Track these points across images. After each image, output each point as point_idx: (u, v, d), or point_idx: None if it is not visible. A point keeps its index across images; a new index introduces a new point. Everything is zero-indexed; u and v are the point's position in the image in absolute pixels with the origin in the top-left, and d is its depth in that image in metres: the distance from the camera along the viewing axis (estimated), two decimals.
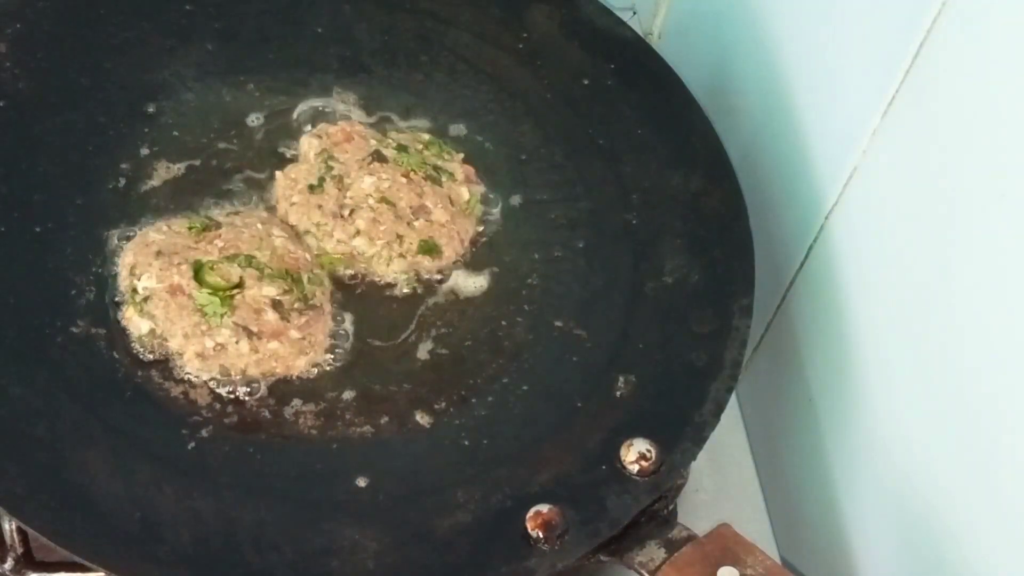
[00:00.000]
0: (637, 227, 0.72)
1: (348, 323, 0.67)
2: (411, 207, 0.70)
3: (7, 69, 0.71)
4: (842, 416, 0.71)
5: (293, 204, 0.69)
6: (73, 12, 0.75)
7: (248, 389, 0.63)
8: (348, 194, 0.69)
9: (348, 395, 0.64)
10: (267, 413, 0.62)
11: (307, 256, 0.67)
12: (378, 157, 0.71)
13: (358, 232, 0.69)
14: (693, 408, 0.64)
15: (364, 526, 0.58)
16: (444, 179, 0.71)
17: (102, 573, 0.58)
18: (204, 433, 0.61)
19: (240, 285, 0.64)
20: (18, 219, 0.66)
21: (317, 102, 0.75)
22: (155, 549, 0.56)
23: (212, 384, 0.62)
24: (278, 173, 0.71)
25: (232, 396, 0.62)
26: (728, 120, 0.80)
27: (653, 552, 0.60)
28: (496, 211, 0.73)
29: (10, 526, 0.61)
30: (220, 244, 0.66)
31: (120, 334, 0.63)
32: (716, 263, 0.70)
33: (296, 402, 0.63)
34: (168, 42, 0.75)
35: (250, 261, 0.65)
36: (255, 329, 0.63)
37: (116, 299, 0.64)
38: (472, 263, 0.70)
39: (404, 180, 0.70)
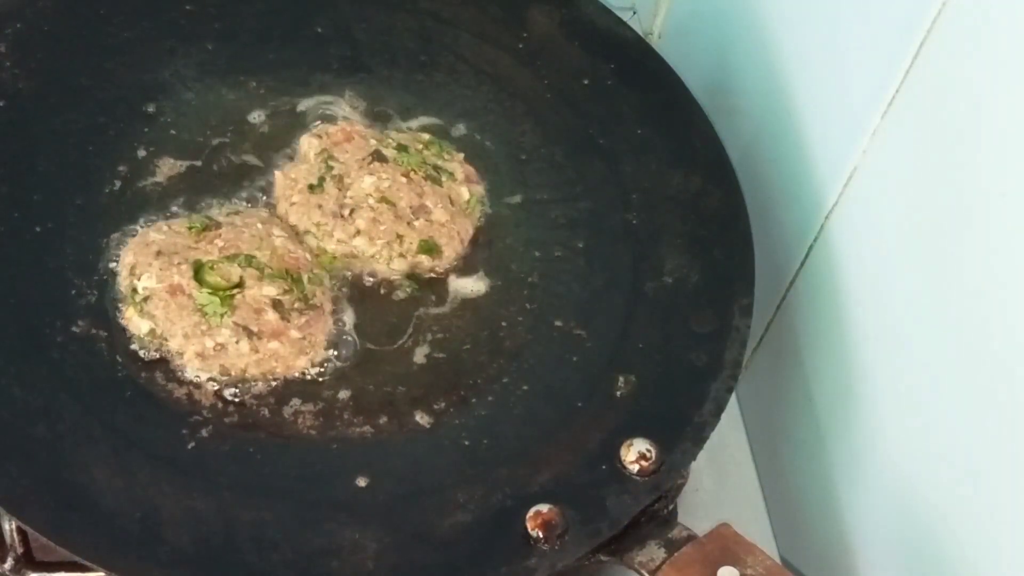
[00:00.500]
0: (637, 227, 0.72)
1: (348, 323, 0.67)
2: (411, 207, 0.70)
3: (7, 69, 0.71)
4: (842, 416, 0.71)
5: (293, 204, 0.69)
6: (73, 12, 0.75)
7: (248, 389, 0.63)
8: (348, 194, 0.69)
9: (348, 395, 0.64)
10: (267, 413, 0.62)
11: (307, 256, 0.67)
12: (378, 157, 0.71)
13: (358, 232, 0.69)
14: (693, 408, 0.64)
15: (364, 526, 0.58)
16: (444, 179, 0.72)
17: (102, 573, 0.58)
18: (204, 433, 0.61)
19: (240, 285, 0.64)
20: (18, 219, 0.66)
21: (317, 102, 0.75)
22: (155, 549, 0.56)
23: (212, 384, 0.62)
24: (278, 173, 0.71)
25: (232, 396, 0.62)
26: (728, 120, 0.80)
27: (653, 552, 0.60)
28: (496, 211, 0.73)
29: (10, 526, 0.61)
30: (220, 244, 0.66)
31: (120, 334, 0.63)
32: (716, 263, 0.70)
33: (296, 402, 0.63)
34: (168, 42, 0.75)
35: (250, 261, 0.65)
36: (255, 329, 0.63)
37: (116, 299, 0.64)
38: (472, 263, 0.70)
39: (404, 180, 0.70)
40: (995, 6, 0.54)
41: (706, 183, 0.74)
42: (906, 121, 0.63)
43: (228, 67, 0.75)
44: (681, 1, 0.96)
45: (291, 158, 0.72)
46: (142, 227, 0.67)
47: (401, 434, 0.63)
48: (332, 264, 0.68)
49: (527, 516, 0.58)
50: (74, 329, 0.63)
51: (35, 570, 0.63)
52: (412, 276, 0.69)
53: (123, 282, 0.65)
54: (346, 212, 0.69)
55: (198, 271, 0.64)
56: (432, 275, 0.69)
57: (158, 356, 0.63)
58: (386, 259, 0.69)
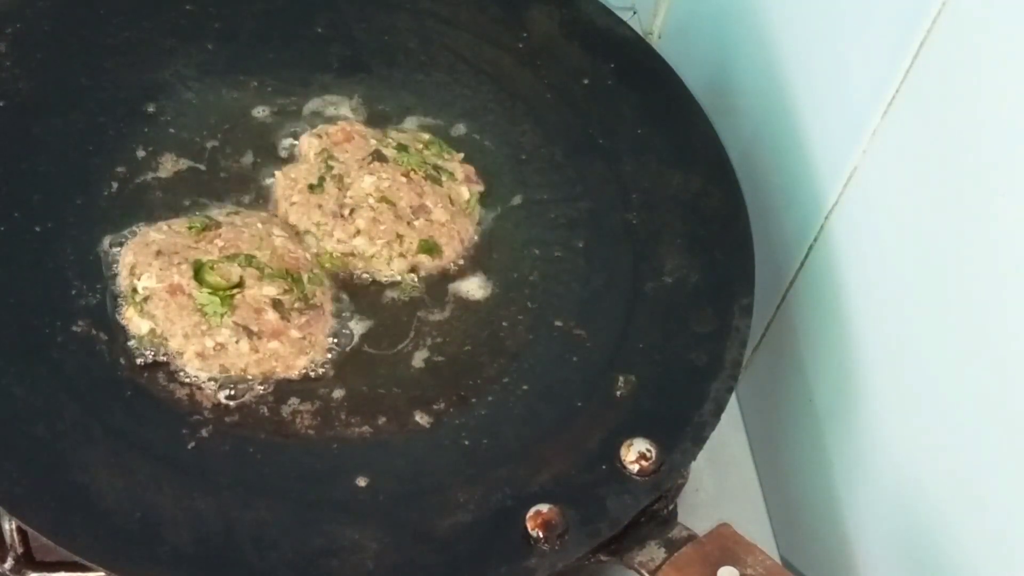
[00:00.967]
0: (637, 227, 0.72)
1: (348, 323, 0.67)
2: (411, 207, 0.70)
3: (7, 69, 0.71)
4: (842, 416, 0.71)
5: (293, 204, 0.69)
6: (73, 12, 0.75)
7: (249, 389, 0.63)
8: (348, 194, 0.70)
9: (349, 395, 0.64)
10: (267, 413, 0.62)
11: (307, 256, 0.67)
12: (378, 157, 0.71)
13: (358, 232, 0.69)
14: (693, 408, 0.64)
15: (364, 526, 0.58)
16: (444, 179, 0.72)
17: (102, 573, 0.58)
18: (204, 433, 0.61)
19: (240, 285, 0.64)
20: (18, 219, 0.66)
21: (317, 102, 0.75)
22: (155, 549, 0.56)
23: (212, 384, 0.62)
24: (278, 173, 0.71)
25: (232, 396, 0.62)
26: (728, 120, 0.80)
27: (653, 552, 0.60)
28: (496, 211, 0.73)
29: (10, 526, 0.61)
30: (220, 244, 0.66)
31: (120, 334, 0.63)
32: (716, 263, 0.70)
33: (297, 402, 0.63)
34: (168, 42, 0.75)
35: (250, 261, 0.65)
36: (255, 329, 0.63)
37: (116, 299, 0.64)
38: (472, 263, 0.70)
39: (404, 180, 0.70)
40: (995, 6, 0.54)
41: (706, 183, 0.74)
42: (906, 121, 0.63)
43: (228, 67, 0.75)
44: (681, 1, 0.96)
45: (291, 158, 0.72)
46: (142, 227, 0.67)
47: (401, 434, 0.63)
48: (332, 264, 0.68)
49: (527, 516, 0.58)
50: (74, 329, 0.63)
51: (35, 570, 0.63)
52: (412, 276, 0.69)
53: (123, 282, 0.65)
54: (346, 212, 0.69)
55: (198, 271, 0.64)
56: (432, 275, 0.69)
57: (158, 356, 0.63)
58: (386, 259, 0.69)
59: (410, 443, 0.63)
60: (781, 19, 0.77)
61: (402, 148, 0.72)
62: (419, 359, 0.66)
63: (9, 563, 0.62)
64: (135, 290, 0.64)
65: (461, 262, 0.70)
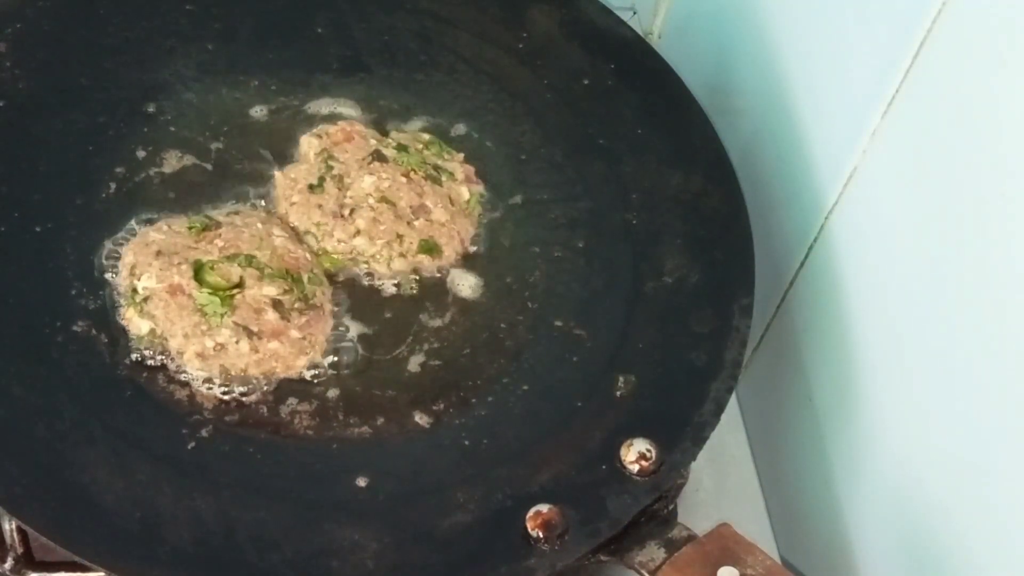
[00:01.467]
0: (637, 227, 0.72)
1: (348, 323, 0.67)
2: (411, 207, 0.70)
3: (7, 69, 0.71)
4: (842, 416, 0.71)
5: (293, 204, 0.69)
6: (73, 12, 0.75)
7: (248, 389, 0.63)
8: (348, 194, 0.70)
9: (348, 395, 0.64)
10: (267, 413, 0.62)
11: (307, 256, 0.67)
12: (378, 157, 0.71)
13: (358, 232, 0.69)
14: (693, 408, 0.64)
15: (364, 526, 0.58)
16: (444, 179, 0.72)
17: (102, 573, 0.58)
18: (204, 433, 0.61)
19: (240, 285, 0.64)
20: (18, 219, 0.66)
21: (317, 102, 0.75)
22: (155, 549, 0.56)
23: (212, 384, 0.62)
24: (278, 173, 0.71)
25: (232, 396, 0.62)
26: (728, 120, 0.80)
27: (653, 552, 0.60)
28: (496, 211, 0.73)
29: (10, 526, 0.61)
30: (220, 244, 0.66)
31: (120, 334, 0.63)
32: (716, 263, 0.70)
33: (297, 402, 0.63)
34: (168, 42, 0.75)
35: (250, 261, 0.65)
36: (255, 329, 0.63)
37: (116, 299, 0.64)
38: (472, 263, 0.70)
39: (404, 180, 0.70)
40: (995, 6, 0.54)
41: (706, 183, 0.74)
42: (906, 121, 0.63)
43: (228, 67, 0.75)
44: (681, 1, 0.96)
45: (291, 158, 0.72)
46: (142, 227, 0.67)
47: (401, 434, 0.63)
48: (332, 264, 0.68)
49: (527, 516, 0.58)
50: (74, 329, 0.63)
51: (35, 570, 0.63)
52: (412, 276, 0.69)
53: (123, 282, 0.65)
54: (346, 212, 0.69)
55: (198, 271, 0.64)
56: (432, 275, 0.69)
57: (158, 356, 0.63)
58: (386, 259, 0.69)
59: (410, 443, 0.63)
60: (781, 19, 0.77)
61: (402, 148, 0.72)
62: (419, 359, 0.66)
63: (9, 563, 0.62)
64: (135, 290, 0.64)
65: (461, 262, 0.70)
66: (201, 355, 0.62)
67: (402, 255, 0.69)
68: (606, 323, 0.68)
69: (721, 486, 0.79)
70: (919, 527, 0.63)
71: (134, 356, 0.63)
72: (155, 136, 0.72)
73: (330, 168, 0.70)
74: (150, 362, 0.63)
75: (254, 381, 0.63)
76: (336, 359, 0.65)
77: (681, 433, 0.63)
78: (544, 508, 0.58)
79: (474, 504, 0.60)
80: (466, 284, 0.69)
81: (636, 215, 0.72)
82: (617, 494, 0.60)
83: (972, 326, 0.57)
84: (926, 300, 0.61)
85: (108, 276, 0.65)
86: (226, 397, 0.62)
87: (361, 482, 0.60)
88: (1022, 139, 0.52)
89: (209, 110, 0.73)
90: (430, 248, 0.69)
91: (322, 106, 0.75)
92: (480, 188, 0.73)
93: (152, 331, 0.63)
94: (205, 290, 0.63)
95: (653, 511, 0.61)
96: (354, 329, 0.66)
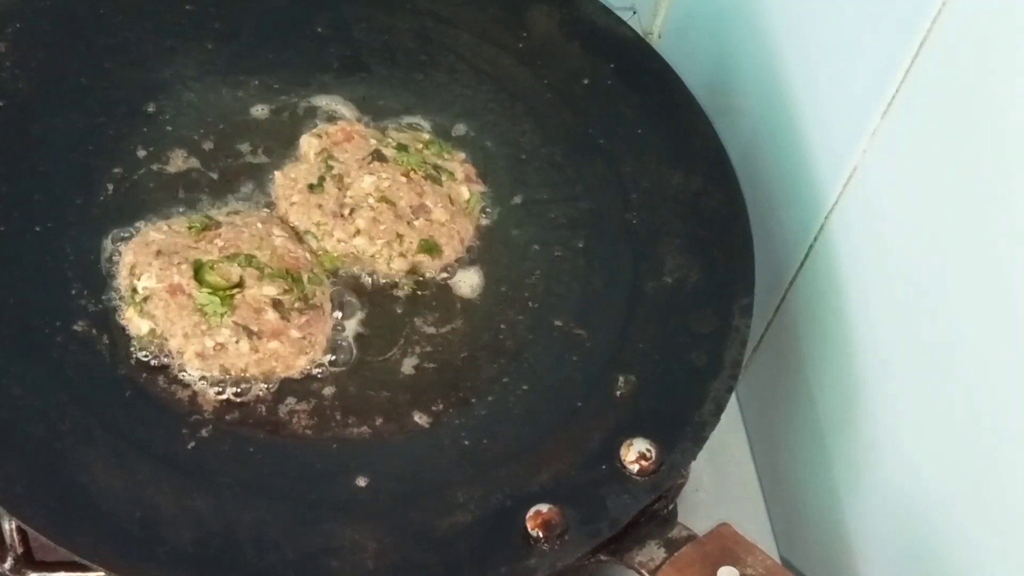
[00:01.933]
0: (637, 227, 0.72)
1: (348, 323, 0.67)
2: (411, 206, 0.70)
3: (7, 69, 0.71)
4: (842, 416, 0.71)
5: (293, 204, 0.69)
6: (73, 12, 0.75)
7: (248, 389, 0.63)
8: (348, 193, 0.70)
9: (348, 395, 0.64)
10: (267, 413, 0.62)
11: (307, 256, 0.67)
12: (378, 156, 0.71)
13: (358, 231, 0.69)
14: (693, 408, 0.64)
15: (364, 526, 0.58)
16: (444, 178, 0.72)
17: (102, 573, 0.58)
18: (204, 433, 0.61)
19: (240, 285, 0.64)
20: (18, 219, 0.66)
21: (317, 101, 0.75)
22: (155, 549, 0.56)
23: (212, 384, 0.62)
24: (277, 173, 0.71)
25: (232, 396, 0.62)
26: (728, 120, 0.80)
27: (653, 552, 0.60)
28: (496, 211, 0.73)
29: (10, 526, 0.61)
30: (220, 243, 0.66)
31: (120, 334, 0.63)
32: (716, 263, 0.70)
33: (296, 402, 0.63)
34: (168, 42, 0.75)
35: (250, 260, 0.65)
36: (255, 329, 0.63)
37: (116, 299, 0.64)
38: (472, 262, 0.70)
39: (404, 179, 0.70)
40: (995, 6, 0.54)
41: (706, 183, 0.74)
42: (906, 121, 0.63)
43: (228, 67, 0.75)
44: (681, 1, 0.96)
45: (291, 158, 0.72)
46: (142, 227, 0.67)
47: (401, 434, 0.63)
48: (332, 264, 0.68)
49: (527, 516, 0.58)
50: (74, 329, 0.63)
51: (35, 570, 0.63)
52: (412, 276, 0.69)
53: (123, 282, 0.65)
54: (346, 212, 0.69)
55: (198, 271, 0.64)
56: (432, 275, 0.69)
57: (158, 356, 0.63)
58: (386, 259, 0.69)
59: (410, 443, 0.63)
60: (781, 19, 0.77)
61: (402, 148, 0.72)
62: (418, 359, 0.66)
63: (9, 563, 0.62)
64: (135, 290, 0.64)
65: (461, 262, 0.70)
66: (201, 355, 0.62)
67: (402, 255, 0.69)
68: (606, 323, 0.68)
69: (721, 486, 0.79)
70: (919, 527, 0.63)
71: (134, 356, 0.63)
72: (155, 136, 0.72)
73: (330, 168, 0.70)
74: (150, 362, 0.63)
75: (254, 381, 0.63)
76: (336, 359, 0.65)
77: (681, 433, 0.63)
78: (544, 508, 0.58)
79: (474, 504, 0.60)
80: (466, 284, 0.69)
81: (636, 215, 0.72)
82: (617, 494, 0.60)
83: (973, 325, 0.57)
84: (926, 299, 0.61)
85: (108, 276, 0.65)
86: (226, 397, 0.62)
87: (361, 482, 0.60)
88: (1022, 139, 0.52)
89: (209, 110, 0.73)
90: (430, 248, 0.69)
91: (322, 106, 0.75)
92: (480, 188, 0.73)
93: (152, 331, 0.63)
94: (205, 290, 0.63)
95: (653, 511, 0.61)
96: (354, 329, 0.66)
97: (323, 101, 0.75)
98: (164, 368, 0.63)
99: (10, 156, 0.68)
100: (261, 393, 0.63)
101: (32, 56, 0.72)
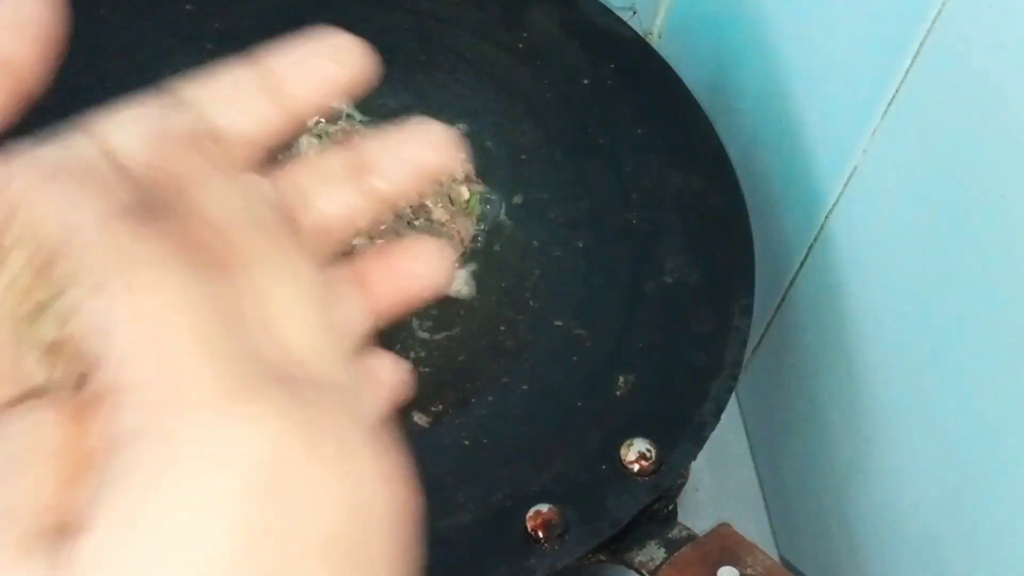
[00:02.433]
0: (637, 227, 0.72)
1: None
2: (411, 206, 0.70)
3: None
4: (842, 416, 0.71)
5: None
6: (73, 12, 0.75)
7: None
8: None
9: None
10: None
11: None
12: None
13: (358, 231, 0.68)
14: (693, 408, 0.64)
15: None
16: (444, 178, 0.72)
17: None
18: None
19: None
20: None
21: None
22: None
23: None
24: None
25: None
26: (728, 120, 0.80)
27: (653, 552, 0.60)
28: (496, 211, 0.73)
29: None
30: None
31: None
32: (716, 263, 0.70)
33: None
34: (168, 42, 0.75)
35: None
36: None
37: None
38: (471, 262, 0.70)
39: None
40: (995, 6, 0.54)
41: (706, 183, 0.74)
42: (906, 121, 0.63)
43: None
44: (681, 1, 0.96)
45: (291, 158, 0.72)
46: None
47: (400, 434, 0.63)
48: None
49: (527, 516, 0.58)
50: None
51: None
52: None
53: None
54: None
55: None
56: None
57: None
58: None
59: (410, 443, 0.63)
60: (781, 19, 0.77)
61: None
62: (417, 359, 0.66)
63: None
64: None
65: (461, 262, 0.70)
66: None
67: None
68: (606, 323, 0.68)
69: (721, 486, 0.79)
70: (920, 527, 0.63)
71: None
72: None
73: None
74: None
75: None
76: None
77: (681, 433, 0.63)
78: (544, 508, 0.58)
79: (474, 504, 0.60)
80: (465, 284, 0.69)
81: (636, 215, 0.72)
82: (617, 494, 0.60)
83: (973, 325, 0.57)
84: (927, 299, 0.61)
85: None
86: None
87: None
88: (1022, 139, 0.52)
89: None
90: None
91: None
92: (480, 188, 0.73)
93: None
94: None
95: (653, 511, 0.61)
96: None
97: None
98: None
99: None
100: None
101: None
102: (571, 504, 0.59)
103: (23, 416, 0.26)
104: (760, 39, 0.80)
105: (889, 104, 0.63)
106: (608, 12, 0.82)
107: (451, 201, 0.71)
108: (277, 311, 0.29)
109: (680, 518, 0.63)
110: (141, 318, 0.26)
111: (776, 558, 0.67)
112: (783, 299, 0.78)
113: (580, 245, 0.71)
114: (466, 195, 0.72)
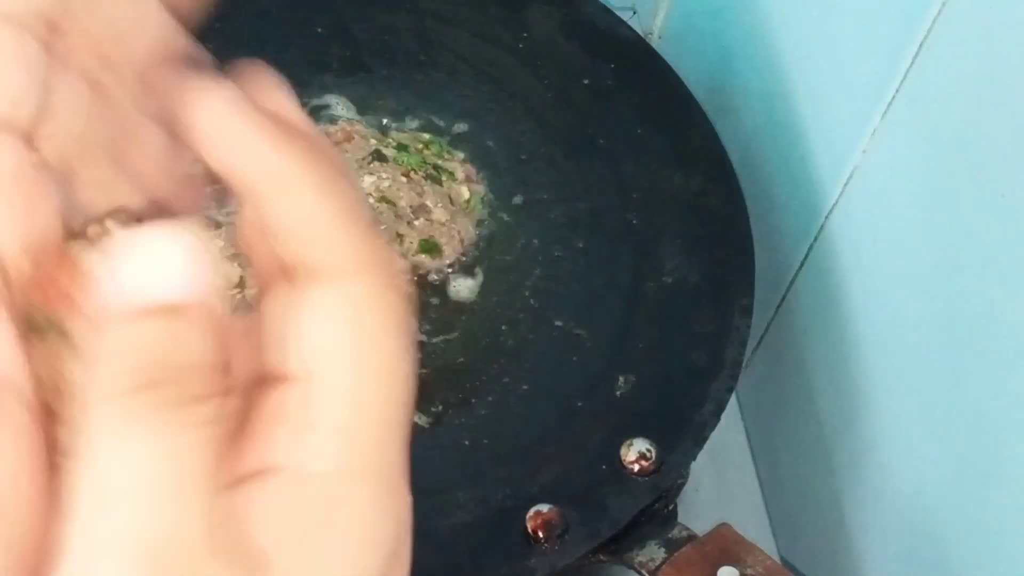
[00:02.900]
0: (637, 227, 0.72)
1: None
2: (411, 206, 0.70)
3: None
4: (842, 416, 0.71)
5: None
6: None
7: None
8: None
9: None
10: None
11: None
12: (378, 156, 0.71)
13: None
14: (693, 408, 0.64)
15: None
16: (444, 178, 0.72)
17: None
18: None
19: (241, 285, 0.64)
20: None
21: (317, 102, 0.75)
22: None
23: None
24: None
25: None
26: (728, 120, 0.80)
27: (653, 552, 0.60)
28: (496, 211, 0.73)
29: None
30: (220, 244, 0.66)
31: None
32: (716, 263, 0.70)
33: None
34: None
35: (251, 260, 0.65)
36: None
37: None
38: (472, 262, 0.70)
39: (404, 179, 0.70)
40: (995, 6, 0.54)
41: (706, 183, 0.74)
42: (906, 121, 0.63)
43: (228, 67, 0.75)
44: (681, 1, 0.96)
45: None
46: None
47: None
48: None
49: (527, 516, 0.58)
50: None
51: None
52: (412, 275, 0.69)
53: None
54: None
55: None
56: (432, 275, 0.69)
57: None
58: None
59: (409, 443, 0.63)
60: (781, 19, 0.77)
61: (402, 148, 0.72)
62: (417, 360, 0.66)
63: None
64: None
65: (461, 262, 0.70)
66: None
67: (402, 255, 0.69)
68: (606, 323, 0.68)
69: (721, 486, 0.79)
70: (921, 526, 0.63)
71: None
72: None
73: None
74: None
75: None
76: None
77: (681, 433, 0.63)
78: (544, 508, 0.58)
79: (474, 504, 0.60)
80: (466, 284, 0.69)
81: (636, 215, 0.72)
82: (617, 494, 0.60)
83: (973, 325, 0.57)
84: (927, 300, 0.61)
85: None
86: None
87: None
88: (1022, 139, 0.52)
89: None
90: (430, 248, 0.69)
91: (322, 106, 0.75)
92: (480, 188, 0.73)
93: None
94: None
95: (653, 511, 0.61)
96: None
97: (323, 101, 0.75)
98: None
99: None
100: None
101: None
102: (571, 504, 0.59)
103: None
104: (760, 39, 0.80)
105: (889, 104, 0.63)
106: (608, 12, 0.82)
107: (451, 201, 0.71)
108: None
109: (680, 518, 0.63)
110: None
111: (776, 558, 0.67)
112: (783, 299, 0.78)
113: (580, 245, 0.71)
114: (466, 195, 0.72)
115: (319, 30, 0.78)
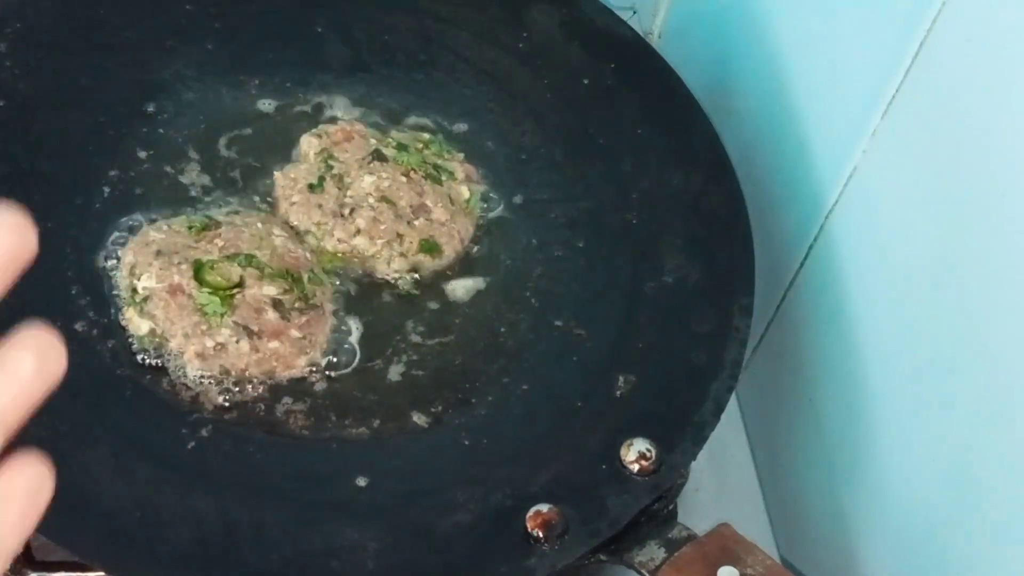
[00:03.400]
0: (637, 227, 0.72)
1: (349, 322, 0.67)
2: (411, 206, 0.70)
3: (7, 69, 0.71)
4: (842, 416, 0.71)
5: (293, 204, 0.69)
6: (73, 12, 0.75)
7: (248, 389, 0.63)
8: (348, 193, 0.70)
9: (348, 395, 0.64)
10: (267, 413, 0.62)
11: (307, 255, 0.67)
12: (378, 156, 0.71)
13: (358, 231, 0.69)
14: (693, 408, 0.64)
15: (364, 526, 0.58)
16: (444, 178, 0.72)
17: (102, 573, 0.58)
18: (204, 433, 0.61)
19: (240, 284, 0.64)
20: None
21: (317, 101, 0.75)
22: (155, 549, 0.56)
23: (212, 384, 0.62)
24: (277, 173, 0.71)
25: (232, 396, 0.62)
26: (728, 120, 0.80)
27: (653, 552, 0.60)
28: (496, 210, 0.73)
29: None
30: (220, 243, 0.66)
31: (120, 334, 0.63)
32: (716, 263, 0.70)
33: (296, 402, 0.63)
34: (168, 42, 0.75)
35: (250, 260, 0.65)
36: (255, 328, 0.63)
37: (116, 299, 0.64)
38: (472, 262, 0.70)
39: (404, 179, 0.70)
40: (995, 6, 0.54)
41: (706, 183, 0.74)
42: (906, 121, 0.63)
43: (228, 67, 0.75)
44: (681, 1, 0.96)
45: (291, 158, 0.72)
46: (142, 227, 0.67)
47: (400, 434, 0.63)
48: (332, 264, 0.68)
49: (527, 516, 0.58)
50: (74, 329, 0.63)
51: (35, 570, 0.63)
52: (412, 275, 0.69)
53: (123, 282, 0.65)
54: (346, 211, 0.69)
55: (198, 271, 0.64)
56: (432, 275, 0.69)
57: (158, 356, 0.63)
58: (386, 258, 0.69)
59: (410, 443, 0.63)
60: (781, 19, 0.77)
61: (402, 148, 0.72)
62: (418, 360, 0.66)
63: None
64: (135, 290, 0.64)
65: (461, 262, 0.70)
66: (201, 355, 0.62)
67: (402, 255, 0.69)
68: (606, 323, 0.68)
69: (721, 486, 0.79)
70: (920, 526, 0.63)
71: (134, 356, 0.63)
72: (155, 136, 0.72)
73: (330, 168, 0.70)
74: (150, 362, 0.63)
75: (254, 381, 0.63)
76: (336, 359, 0.65)
77: (681, 433, 0.63)
78: (544, 508, 0.58)
79: (474, 504, 0.60)
80: (466, 284, 0.70)
81: (636, 215, 0.72)
82: (617, 494, 0.60)
83: (973, 326, 0.57)
84: (926, 300, 0.61)
85: (108, 276, 0.65)
86: (226, 397, 0.62)
87: (361, 482, 0.60)
88: (1022, 138, 0.52)
89: (209, 110, 0.73)
90: (430, 248, 0.69)
91: (322, 106, 0.75)
92: (480, 187, 0.73)
93: (152, 331, 0.63)
94: (205, 290, 0.63)
95: (653, 511, 0.61)
96: (354, 329, 0.66)
97: (323, 101, 0.75)
98: (164, 368, 0.63)
99: (10, 156, 0.68)
100: (261, 393, 0.63)
101: (32, 56, 0.72)
102: (571, 504, 0.59)
103: None
104: (760, 39, 0.80)
105: (889, 104, 0.63)
106: (608, 12, 0.82)
107: (451, 201, 0.71)
108: None
109: (680, 518, 0.63)
110: None
111: (776, 558, 0.67)
112: (783, 299, 0.78)
113: (580, 245, 0.71)
114: (466, 195, 0.72)
115: (319, 30, 0.78)
